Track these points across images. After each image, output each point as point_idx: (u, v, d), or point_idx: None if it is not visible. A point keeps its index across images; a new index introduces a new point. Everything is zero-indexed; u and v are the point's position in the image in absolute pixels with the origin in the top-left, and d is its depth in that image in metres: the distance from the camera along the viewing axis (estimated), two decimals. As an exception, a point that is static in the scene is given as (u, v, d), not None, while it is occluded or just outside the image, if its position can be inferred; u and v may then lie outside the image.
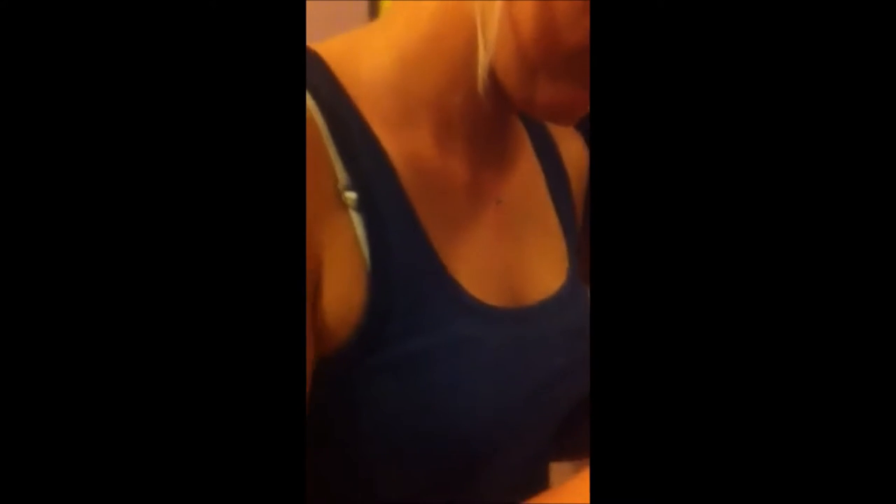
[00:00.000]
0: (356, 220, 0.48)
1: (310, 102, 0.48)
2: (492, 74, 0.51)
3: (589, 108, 0.52)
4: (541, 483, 0.60)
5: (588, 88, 0.51)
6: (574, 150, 0.69)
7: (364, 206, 0.48)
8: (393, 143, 0.52)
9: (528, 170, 0.64)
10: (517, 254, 0.59)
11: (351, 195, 0.48)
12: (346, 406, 0.48)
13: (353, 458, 0.50)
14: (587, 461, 0.43)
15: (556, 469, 0.62)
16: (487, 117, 0.55)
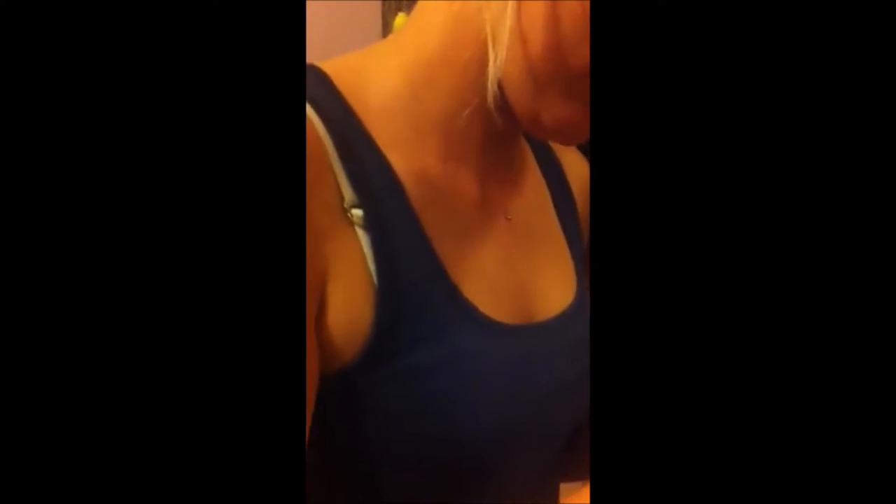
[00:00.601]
0: (363, 237, 0.48)
1: (315, 120, 0.48)
2: (501, 91, 0.51)
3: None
4: (550, 500, 0.60)
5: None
6: (577, 167, 0.69)
7: (371, 224, 0.48)
8: (401, 161, 0.52)
9: (534, 186, 0.64)
10: (526, 270, 0.59)
11: (357, 212, 0.48)
12: (351, 418, 0.48)
13: (357, 469, 0.50)
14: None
15: (565, 490, 0.61)
16: (496, 134, 0.55)
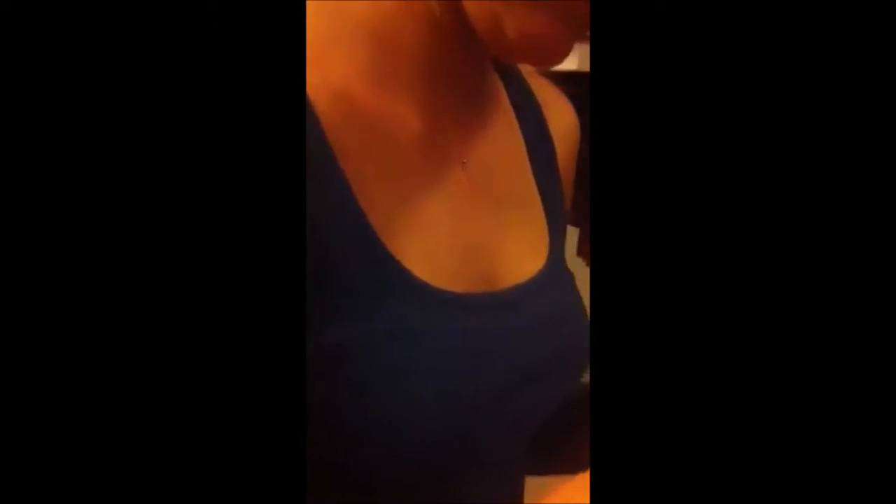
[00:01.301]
0: None
1: None
2: None
3: (567, 48, 0.43)
4: (514, 496, 0.52)
5: (566, 23, 0.41)
6: (562, 117, 0.59)
7: None
8: (314, 73, 0.40)
9: (503, 132, 0.53)
10: (485, 229, 0.49)
11: None
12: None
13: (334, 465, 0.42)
14: (568, 477, 0.41)
15: (531, 484, 0.56)
16: (446, 55, 0.44)
